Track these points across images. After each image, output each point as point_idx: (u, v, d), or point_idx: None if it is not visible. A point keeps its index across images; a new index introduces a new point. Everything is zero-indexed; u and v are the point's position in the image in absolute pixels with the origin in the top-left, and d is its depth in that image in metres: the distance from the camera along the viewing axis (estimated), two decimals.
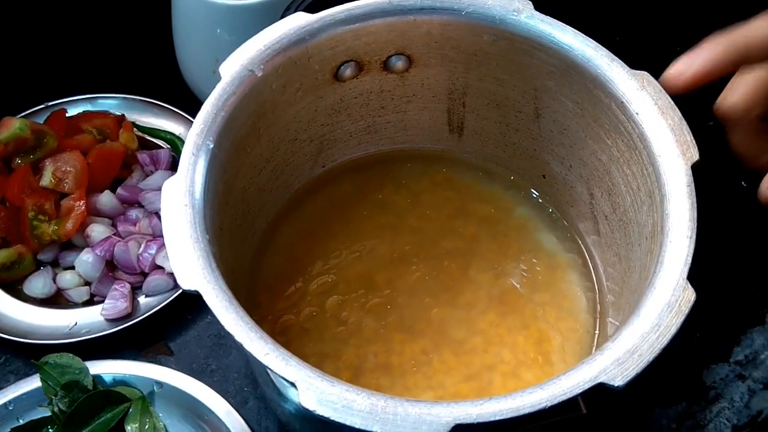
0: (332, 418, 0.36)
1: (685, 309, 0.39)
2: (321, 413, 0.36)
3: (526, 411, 0.36)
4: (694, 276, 0.41)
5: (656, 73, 0.48)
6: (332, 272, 0.57)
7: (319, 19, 0.50)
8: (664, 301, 0.39)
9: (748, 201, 0.68)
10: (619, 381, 0.37)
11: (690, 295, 0.39)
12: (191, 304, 0.62)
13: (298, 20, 0.50)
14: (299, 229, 0.59)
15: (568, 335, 0.55)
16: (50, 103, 0.71)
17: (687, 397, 0.58)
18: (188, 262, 0.41)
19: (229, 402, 0.56)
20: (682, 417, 0.58)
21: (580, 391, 0.37)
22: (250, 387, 0.59)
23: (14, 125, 0.64)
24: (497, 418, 0.36)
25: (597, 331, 0.55)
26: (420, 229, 0.59)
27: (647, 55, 0.54)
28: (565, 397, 0.36)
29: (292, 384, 0.37)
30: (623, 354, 0.38)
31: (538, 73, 0.52)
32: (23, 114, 0.70)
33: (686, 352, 0.60)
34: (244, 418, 0.56)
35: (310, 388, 0.37)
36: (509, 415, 0.36)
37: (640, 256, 0.47)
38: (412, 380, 0.53)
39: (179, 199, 0.43)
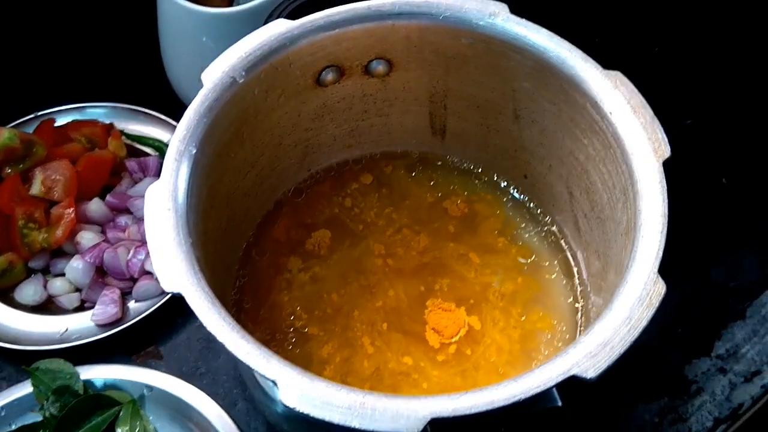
0: (312, 414, 0.37)
1: (656, 302, 0.40)
2: (301, 410, 0.37)
3: (501, 404, 0.37)
4: (674, 272, 0.42)
5: (633, 73, 0.49)
6: (320, 276, 0.58)
7: (299, 26, 0.51)
8: (636, 295, 0.40)
9: (728, 197, 0.69)
10: (591, 373, 0.38)
11: (660, 289, 0.40)
12: (181, 309, 0.62)
13: (279, 27, 0.51)
14: (286, 233, 0.60)
15: (552, 333, 0.56)
16: (39, 113, 0.72)
17: (669, 392, 0.59)
18: (171, 264, 0.41)
19: (218, 404, 0.57)
20: (664, 411, 0.58)
21: (554, 383, 0.37)
22: (239, 389, 0.60)
23: (3, 135, 0.65)
24: (473, 411, 0.37)
25: (580, 328, 0.56)
26: (405, 231, 0.60)
27: (625, 56, 0.55)
28: (538, 390, 0.37)
29: (273, 382, 0.38)
30: (595, 347, 0.38)
31: (516, 75, 0.53)
32: (12, 124, 0.71)
33: (668, 347, 0.61)
34: (233, 420, 0.56)
35: (291, 385, 0.38)
36: (485, 408, 0.37)
37: (616, 253, 0.48)
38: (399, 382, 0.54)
39: (162, 203, 0.44)
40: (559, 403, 0.38)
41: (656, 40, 0.70)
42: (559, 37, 0.50)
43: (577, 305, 0.57)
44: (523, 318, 0.56)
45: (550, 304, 0.57)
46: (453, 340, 0.55)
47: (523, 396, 0.37)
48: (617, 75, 0.48)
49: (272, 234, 0.60)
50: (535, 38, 0.50)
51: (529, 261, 0.59)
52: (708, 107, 0.74)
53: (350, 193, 0.62)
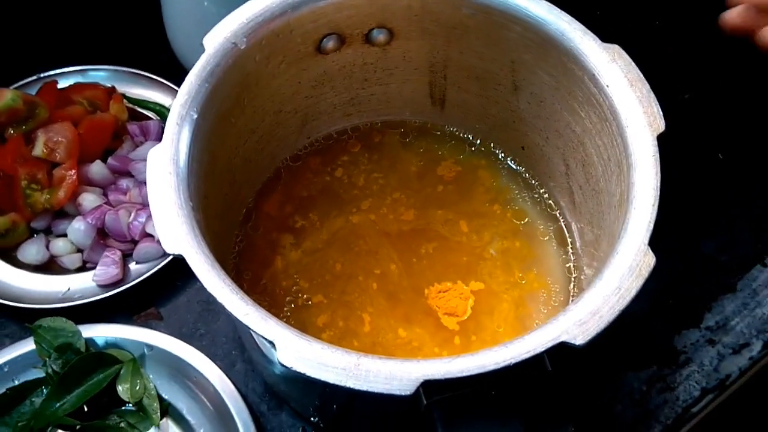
0: (308, 374, 0.38)
1: (645, 273, 0.41)
2: (298, 369, 0.38)
3: (492, 368, 0.38)
4: (667, 245, 0.43)
5: (633, 47, 0.49)
6: (319, 243, 0.59)
7: None
8: (626, 265, 0.41)
9: (724, 173, 0.70)
10: (579, 340, 0.39)
11: (650, 260, 0.41)
12: (181, 271, 0.64)
13: None
14: (286, 200, 0.61)
15: (546, 302, 0.57)
16: (42, 75, 0.72)
17: (658, 361, 0.60)
18: (172, 226, 0.42)
19: (217, 365, 0.58)
20: (652, 380, 0.60)
21: (543, 349, 0.38)
22: (237, 351, 0.61)
23: (7, 96, 0.66)
24: (464, 374, 0.38)
25: (572, 296, 0.57)
26: (403, 199, 0.61)
27: (625, 29, 0.55)
28: (528, 355, 0.38)
29: (271, 343, 0.39)
30: (585, 315, 0.39)
31: (516, 47, 0.53)
32: (15, 85, 0.71)
33: (658, 318, 0.62)
34: (231, 381, 0.58)
35: (288, 346, 0.39)
36: (476, 371, 0.38)
37: (609, 224, 0.49)
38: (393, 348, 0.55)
39: (164, 166, 0.44)
40: (549, 368, 0.39)
41: (657, 14, 0.70)
42: (559, 9, 0.51)
43: (570, 275, 0.58)
44: (518, 287, 0.57)
45: (544, 273, 0.58)
46: (467, 315, 0.56)
47: (513, 361, 0.38)
48: (615, 48, 0.49)
49: (273, 201, 0.60)
50: (535, 10, 0.50)
51: (524, 231, 0.60)
52: (707, 82, 0.74)
53: (346, 162, 0.63)
